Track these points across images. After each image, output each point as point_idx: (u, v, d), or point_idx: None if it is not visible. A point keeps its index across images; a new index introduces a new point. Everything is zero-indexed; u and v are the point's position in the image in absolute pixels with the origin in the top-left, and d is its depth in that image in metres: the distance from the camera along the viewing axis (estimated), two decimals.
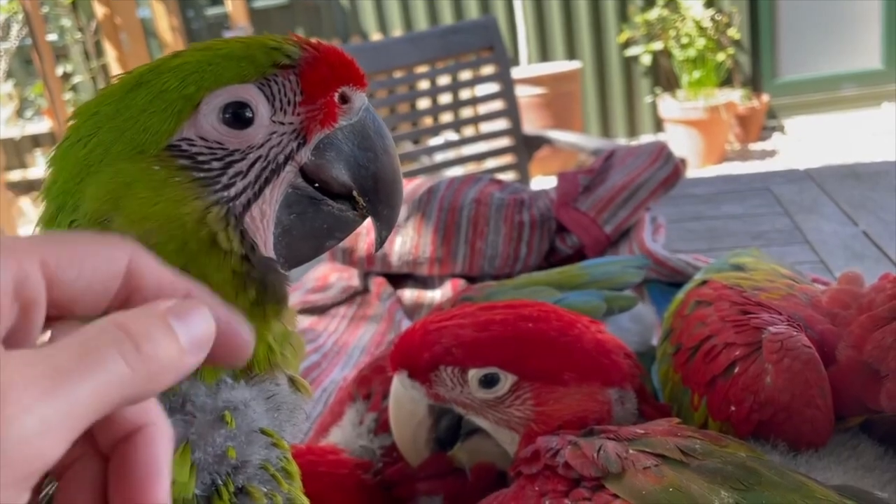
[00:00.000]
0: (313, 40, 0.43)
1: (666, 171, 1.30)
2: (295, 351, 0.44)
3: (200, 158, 0.40)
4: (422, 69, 2.43)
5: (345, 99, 0.44)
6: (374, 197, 0.45)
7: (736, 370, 0.58)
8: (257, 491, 0.39)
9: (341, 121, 0.44)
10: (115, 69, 4.50)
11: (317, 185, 0.44)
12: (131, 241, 0.31)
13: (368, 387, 0.75)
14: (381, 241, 0.48)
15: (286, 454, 0.42)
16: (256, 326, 0.40)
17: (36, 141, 5.55)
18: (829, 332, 0.58)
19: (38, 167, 5.33)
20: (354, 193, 0.45)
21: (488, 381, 0.60)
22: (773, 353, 0.55)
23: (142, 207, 0.38)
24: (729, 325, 0.60)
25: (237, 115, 0.40)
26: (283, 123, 0.42)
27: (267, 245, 0.42)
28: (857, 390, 0.54)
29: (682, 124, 4.92)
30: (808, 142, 4.95)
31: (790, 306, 0.61)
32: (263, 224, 0.42)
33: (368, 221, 0.47)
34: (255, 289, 0.40)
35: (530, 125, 3.44)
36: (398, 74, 2.41)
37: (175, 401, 0.39)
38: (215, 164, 0.40)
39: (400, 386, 0.63)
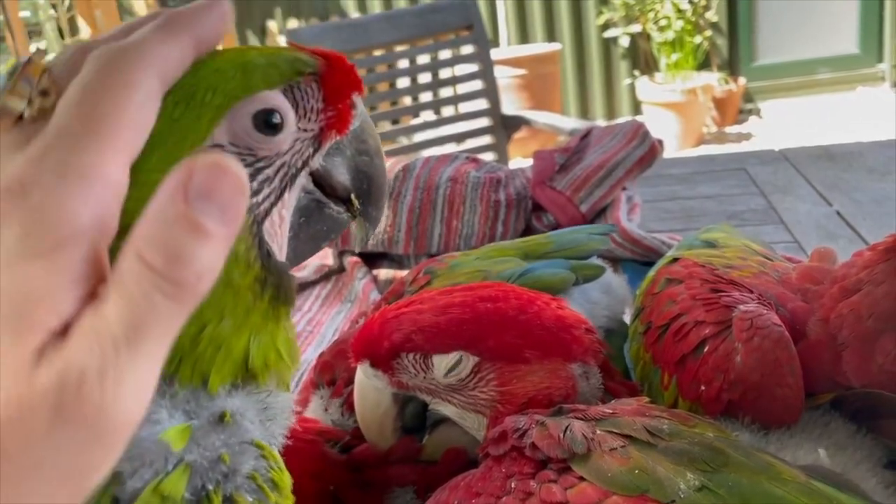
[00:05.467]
0: (319, 49, 0.43)
1: (642, 150, 1.29)
2: (293, 360, 0.44)
3: None
4: (401, 48, 2.40)
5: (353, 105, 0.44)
6: (367, 199, 0.47)
7: (706, 349, 0.57)
8: (244, 500, 0.39)
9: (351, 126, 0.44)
10: None
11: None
12: None
13: (331, 373, 0.73)
14: (366, 239, 0.48)
15: (276, 464, 0.42)
16: (268, 334, 0.41)
17: None
18: (800, 308, 0.58)
19: None
20: (352, 196, 0.46)
21: (451, 365, 0.60)
22: (743, 331, 0.55)
23: None
24: (699, 303, 0.60)
25: (268, 122, 0.40)
26: (305, 130, 0.42)
27: (282, 250, 0.43)
28: (826, 365, 0.54)
29: (660, 107, 4.93)
30: (783, 125, 4.99)
31: (761, 284, 0.61)
32: (281, 230, 0.43)
33: None
34: (271, 293, 0.41)
35: (509, 106, 3.43)
36: (377, 53, 2.38)
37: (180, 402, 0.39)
38: (247, 171, 0.39)
39: (363, 376, 0.62)
